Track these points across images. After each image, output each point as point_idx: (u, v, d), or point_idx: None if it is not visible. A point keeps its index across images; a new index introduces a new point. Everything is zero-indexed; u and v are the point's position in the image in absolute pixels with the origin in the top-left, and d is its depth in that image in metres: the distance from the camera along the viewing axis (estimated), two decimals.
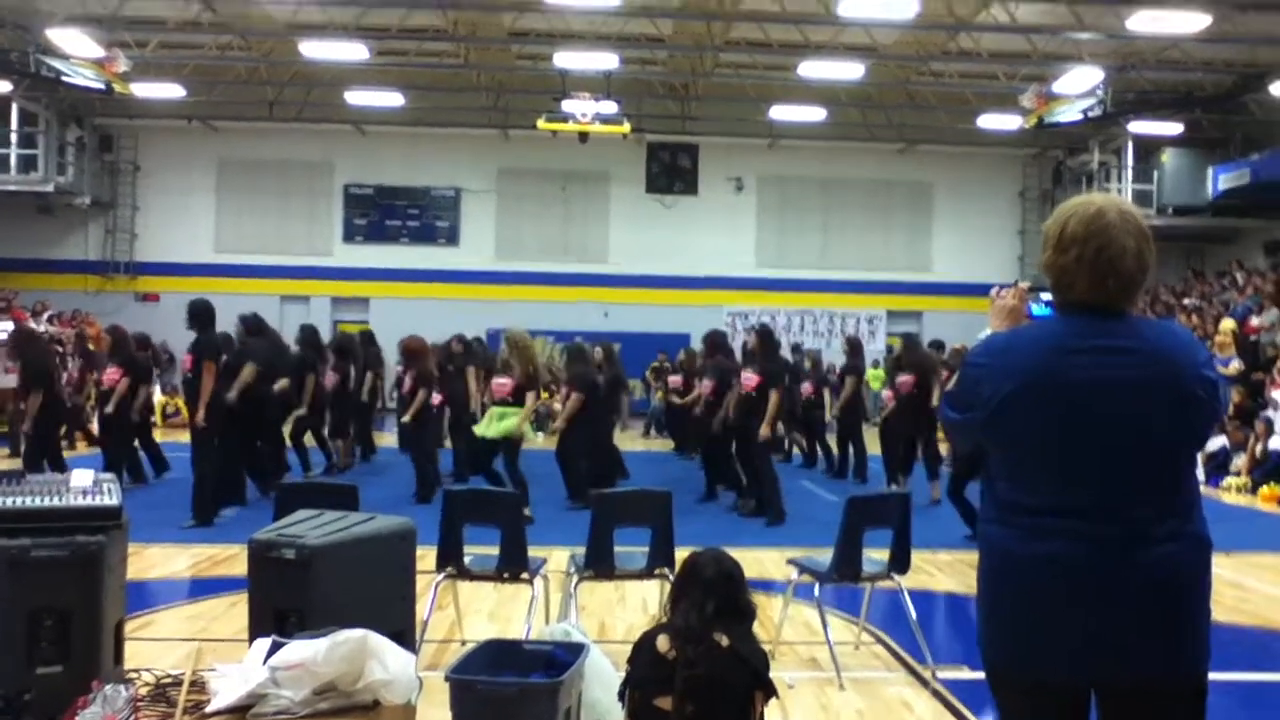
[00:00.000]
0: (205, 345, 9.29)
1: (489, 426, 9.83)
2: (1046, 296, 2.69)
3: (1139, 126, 22.15)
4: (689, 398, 13.64)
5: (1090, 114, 20.18)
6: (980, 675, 2.55)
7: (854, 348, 14.06)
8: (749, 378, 10.16)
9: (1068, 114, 20.24)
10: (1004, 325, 2.76)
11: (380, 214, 25.50)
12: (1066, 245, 2.40)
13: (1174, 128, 22.09)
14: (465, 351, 13.33)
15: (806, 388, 14.17)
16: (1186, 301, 21.28)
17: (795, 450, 15.52)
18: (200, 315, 9.41)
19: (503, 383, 9.94)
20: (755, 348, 10.77)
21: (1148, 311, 19.71)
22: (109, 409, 11.33)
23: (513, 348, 10.14)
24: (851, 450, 13.61)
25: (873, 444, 13.38)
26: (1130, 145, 23.24)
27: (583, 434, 10.92)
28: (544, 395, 13.44)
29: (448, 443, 12.85)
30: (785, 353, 16.60)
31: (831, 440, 14.28)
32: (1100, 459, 2.30)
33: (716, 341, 11.79)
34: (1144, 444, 2.30)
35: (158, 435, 13.12)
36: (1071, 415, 2.31)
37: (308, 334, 12.91)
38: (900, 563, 5.43)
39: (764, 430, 9.90)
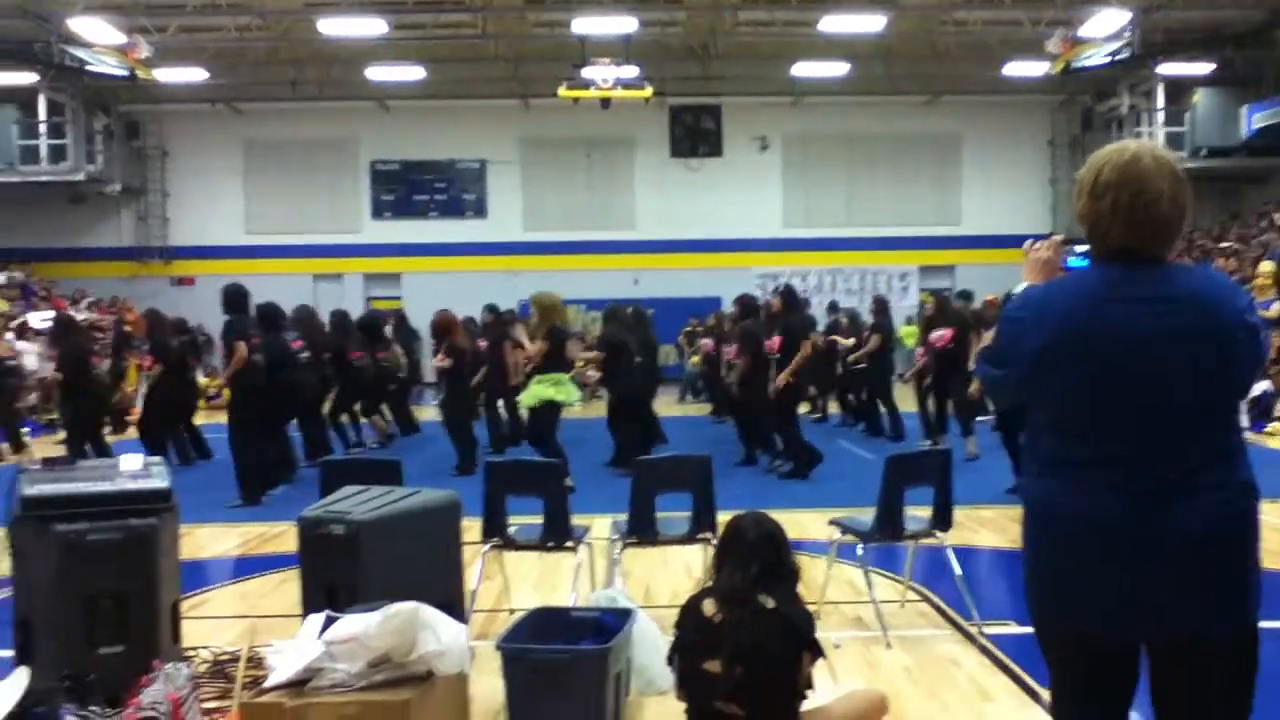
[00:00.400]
0: (233, 328, 9.45)
1: (527, 395, 9.88)
2: (1081, 248, 2.67)
3: (1169, 68, 21.74)
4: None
5: (1118, 57, 19.86)
6: (1027, 630, 2.56)
7: (880, 306, 13.99)
8: (772, 340, 10.16)
9: (1095, 58, 19.93)
10: (1039, 278, 2.75)
11: (407, 189, 25.54)
12: (1101, 192, 2.38)
13: (1205, 68, 21.67)
14: (496, 322, 13.38)
15: (845, 344, 14.16)
16: (1224, 244, 20.95)
17: (831, 409, 15.47)
18: (231, 299, 9.61)
19: (534, 349, 10.02)
20: (778, 309, 10.75)
21: (1184, 257, 19.44)
22: (142, 394, 11.61)
23: (537, 308, 10.17)
24: (884, 409, 13.56)
25: (903, 401, 13.36)
26: (1160, 87, 22.80)
27: (617, 397, 10.96)
28: (579, 364, 13.46)
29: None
30: (819, 312, 16.60)
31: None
32: (1140, 410, 2.29)
33: (746, 305, 11.78)
34: (1185, 393, 2.28)
35: (201, 417, 13.28)
36: (1110, 366, 2.30)
37: (337, 317, 13.17)
38: (943, 520, 5.43)
39: (781, 378, 9.90)
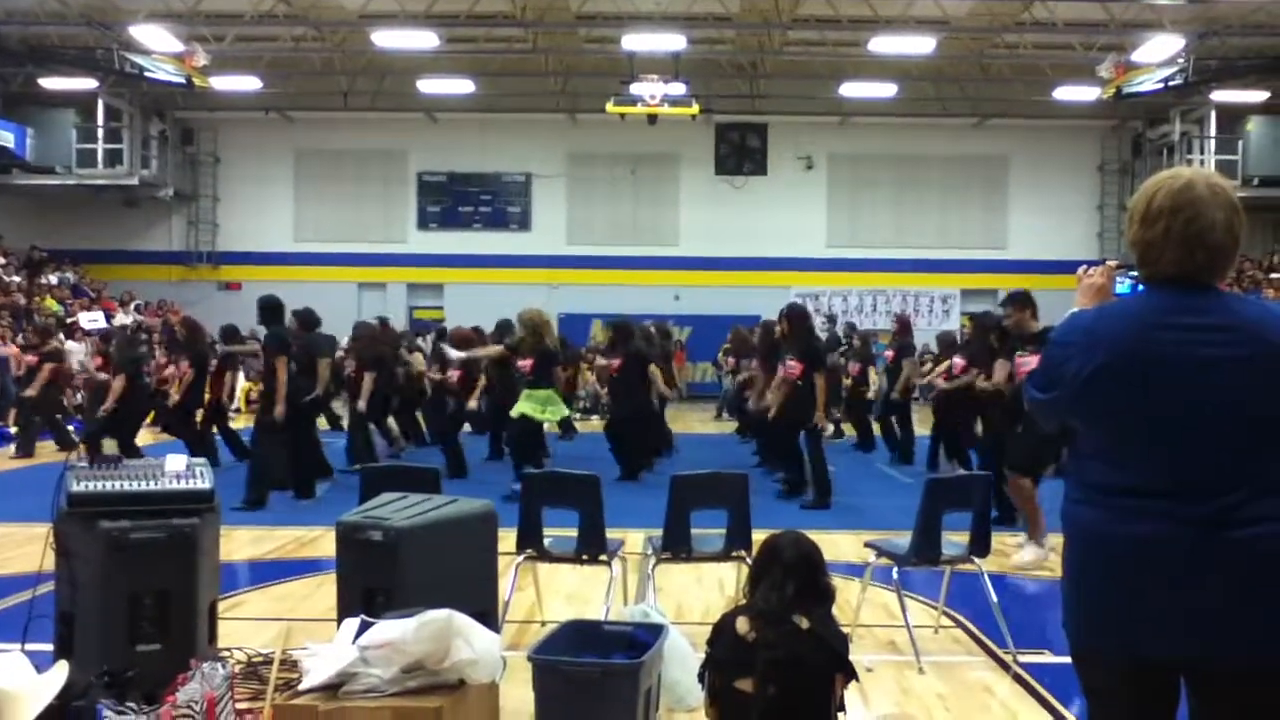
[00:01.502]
0: (273, 339, 9.55)
1: (516, 407, 9.97)
2: (1132, 274, 2.66)
3: (1222, 95, 21.46)
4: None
5: (1171, 83, 19.61)
6: (1062, 659, 2.53)
7: (903, 326, 13.80)
8: (792, 365, 9.82)
9: (1147, 83, 19.69)
10: (1091, 304, 2.72)
11: (453, 200, 25.75)
12: (1153, 219, 2.37)
13: (1259, 95, 21.37)
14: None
15: (854, 367, 13.94)
16: (1274, 275, 20.63)
17: (844, 431, 15.29)
18: (267, 309, 9.77)
19: (523, 364, 10.07)
20: (786, 331, 10.07)
21: (1233, 287, 19.16)
22: (175, 398, 11.82)
23: (523, 325, 10.20)
24: (899, 432, 13.37)
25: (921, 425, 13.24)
26: (1213, 114, 22.53)
27: (631, 412, 11.05)
28: (586, 377, 13.62)
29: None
30: (825, 331, 16.38)
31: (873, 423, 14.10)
32: (1191, 437, 2.27)
33: (768, 326, 11.58)
34: (1237, 422, 2.27)
35: (240, 421, 13.44)
36: (1161, 393, 2.28)
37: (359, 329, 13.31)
38: (980, 545, 5.38)
39: (818, 417, 9.67)
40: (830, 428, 15.08)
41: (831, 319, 17.36)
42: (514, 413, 9.95)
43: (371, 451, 11.87)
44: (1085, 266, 2.83)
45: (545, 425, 10.46)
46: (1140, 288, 2.46)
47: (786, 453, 10.42)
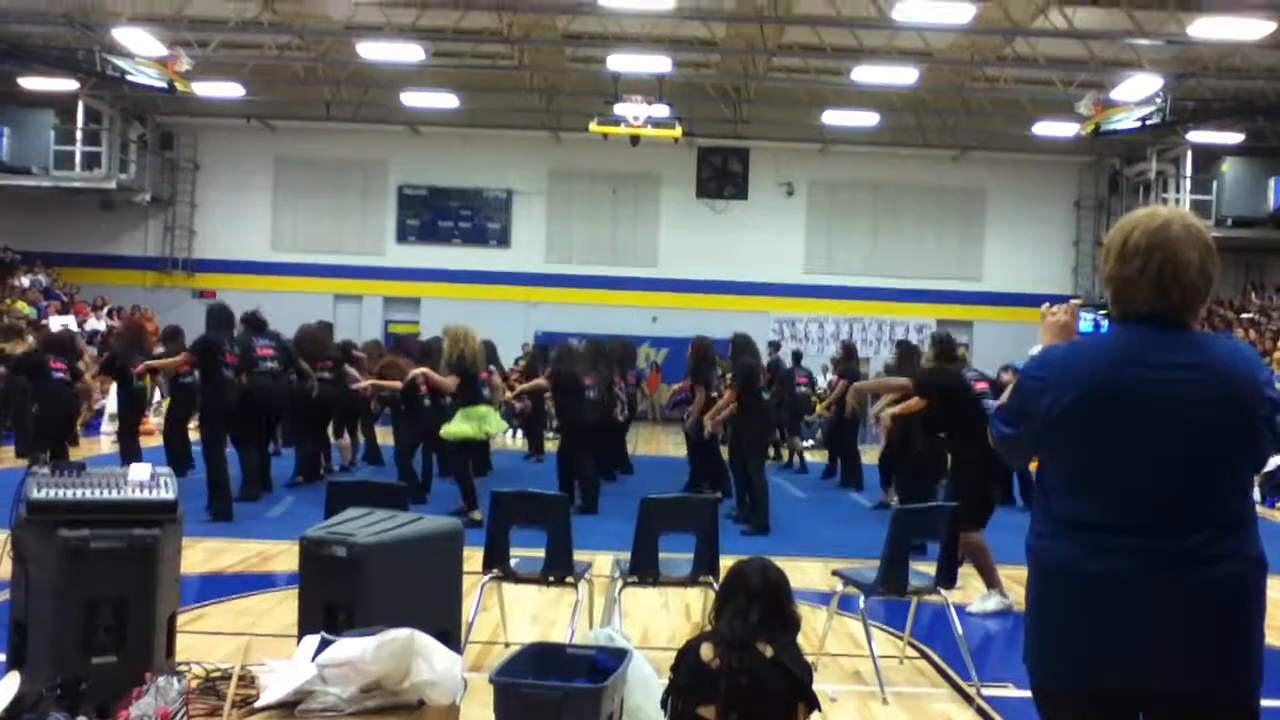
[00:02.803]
0: (197, 339, 9.88)
1: (446, 429, 9.80)
2: (1101, 311, 2.68)
3: (1198, 135, 21.77)
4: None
5: (1148, 122, 19.85)
6: (1025, 693, 2.52)
7: (848, 351, 13.92)
8: (726, 391, 10.22)
9: (1125, 122, 19.92)
10: (1055, 341, 2.74)
11: (433, 215, 25.72)
12: (1129, 256, 2.39)
13: (1234, 137, 21.70)
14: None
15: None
16: (1245, 315, 20.87)
17: (796, 458, 15.32)
18: (209, 314, 10.02)
19: (447, 381, 9.99)
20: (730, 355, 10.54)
21: (1204, 326, 19.36)
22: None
23: (447, 339, 10.03)
24: (840, 458, 13.47)
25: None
26: (1189, 154, 22.86)
27: (568, 430, 11.09)
28: (508, 394, 13.67)
29: None
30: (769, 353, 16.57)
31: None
32: (1159, 474, 2.29)
33: (697, 346, 11.45)
34: (1204, 461, 2.30)
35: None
36: (1132, 429, 2.30)
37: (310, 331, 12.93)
38: (947, 577, 5.39)
39: (705, 420, 10.14)
40: (788, 454, 15.16)
41: (775, 345, 17.55)
42: (451, 434, 9.68)
43: (315, 466, 11.75)
44: (1049, 304, 2.84)
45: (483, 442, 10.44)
46: (1105, 326, 2.47)
47: (714, 474, 10.51)
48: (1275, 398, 2.35)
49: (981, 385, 7.48)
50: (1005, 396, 2.58)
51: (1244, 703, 2.32)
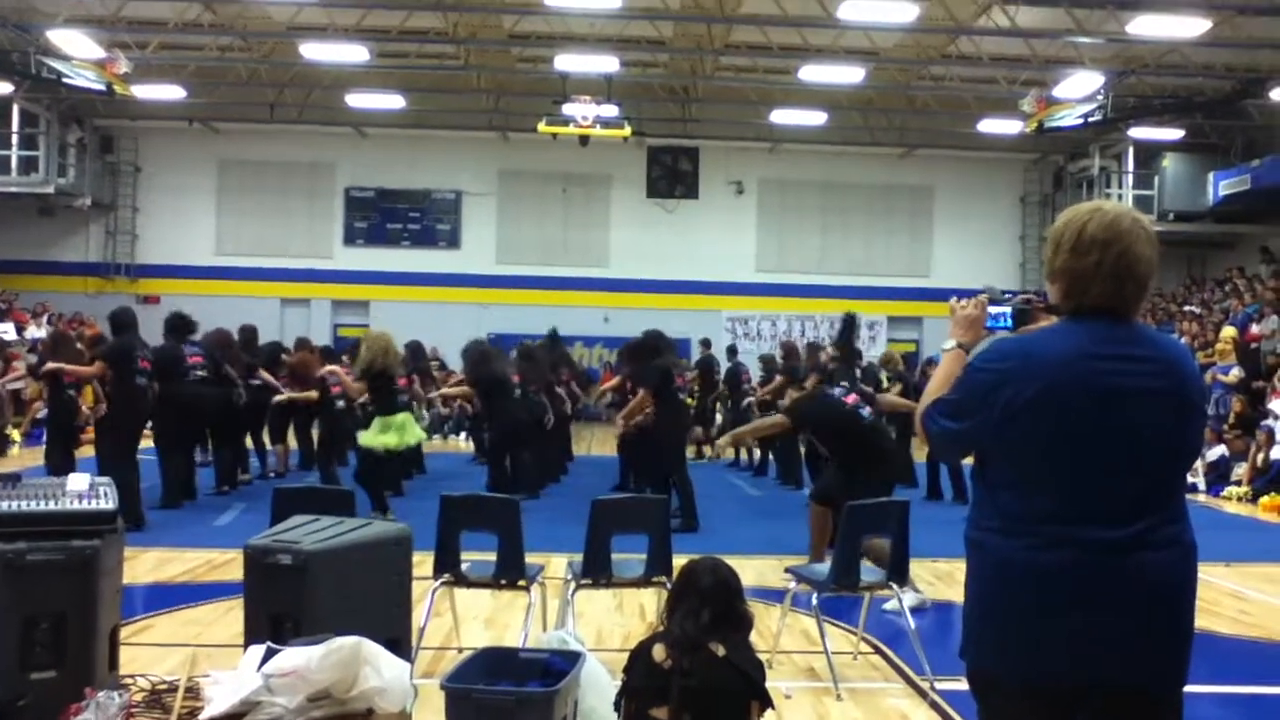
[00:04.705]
0: (108, 346, 9.72)
1: (364, 438, 9.66)
2: (996, 310, 2.70)
3: (1140, 131, 22.15)
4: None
5: (1091, 119, 20.15)
6: None
7: (789, 351, 14.06)
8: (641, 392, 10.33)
9: (1068, 119, 20.21)
10: (966, 335, 2.72)
11: (381, 217, 25.48)
12: (1085, 249, 2.38)
13: (1174, 133, 22.11)
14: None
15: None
16: (1187, 308, 21.25)
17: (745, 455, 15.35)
18: (113, 319, 9.84)
19: (358, 385, 9.98)
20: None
21: (1148, 318, 19.69)
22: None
23: (364, 345, 9.97)
24: (774, 454, 13.60)
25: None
26: (1131, 150, 23.25)
27: (498, 434, 11.22)
28: (436, 397, 13.83)
29: None
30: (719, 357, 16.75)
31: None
32: (1109, 466, 2.32)
33: (630, 345, 11.52)
34: (1158, 452, 2.35)
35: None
36: (1088, 422, 2.32)
37: (246, 335, 12.73)
38: (899, 572, 5.41)
39: (618, 419, 10.37)
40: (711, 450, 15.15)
41: (706, 342, 17.68)
42: (371, 444, 9.50)
43: (232, 475, 11.59)
44: (956, 298, 2.81)
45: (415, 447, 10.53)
46: (1014, 320, 2.54)
47: (653, 475, 10.54)
48: (1206, 387, 2.42)
49: (851, 399, 7.40)
50: (948, 390, 2.52)
51: (1175, 691, 2.37)
